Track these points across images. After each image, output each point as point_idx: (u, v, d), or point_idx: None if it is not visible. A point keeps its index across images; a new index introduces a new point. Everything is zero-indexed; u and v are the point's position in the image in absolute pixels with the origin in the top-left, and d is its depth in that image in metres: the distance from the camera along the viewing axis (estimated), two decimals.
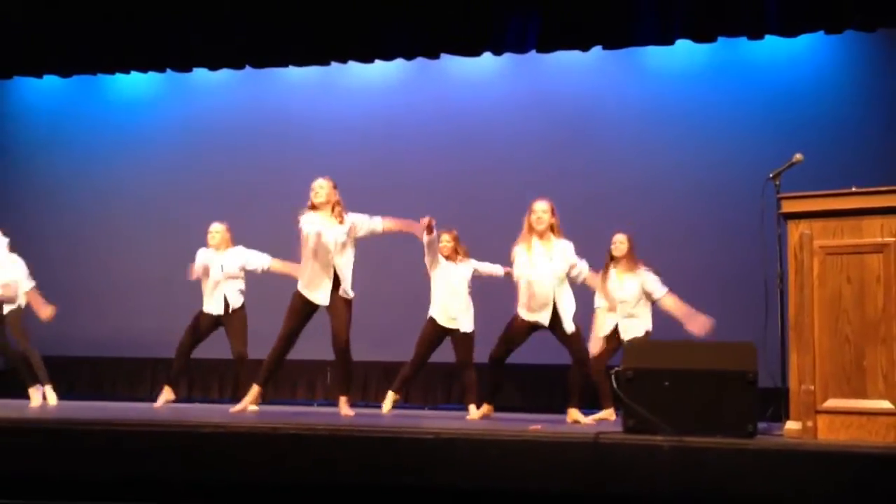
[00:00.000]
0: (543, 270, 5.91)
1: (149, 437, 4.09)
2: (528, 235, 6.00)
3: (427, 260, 6.77)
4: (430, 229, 6.30)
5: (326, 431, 4.06)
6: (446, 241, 6.89)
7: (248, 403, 6.21)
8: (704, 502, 3.70)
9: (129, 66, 9.25)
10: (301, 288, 6.12)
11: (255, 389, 6.20)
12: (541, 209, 6.02)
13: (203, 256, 7.05)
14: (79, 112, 9.63)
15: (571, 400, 6.01)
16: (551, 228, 6.03)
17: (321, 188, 6.13)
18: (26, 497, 3.98)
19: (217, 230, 7.11)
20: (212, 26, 8.77)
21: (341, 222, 6.12)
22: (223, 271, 6.97)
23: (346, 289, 6.07)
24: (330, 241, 6.02)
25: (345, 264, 6.09)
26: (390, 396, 6.86)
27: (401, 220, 6.33)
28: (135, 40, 8.94)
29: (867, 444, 3.86)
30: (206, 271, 6.99)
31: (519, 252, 5.99)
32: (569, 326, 5.92)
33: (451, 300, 6.84)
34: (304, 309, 6.11)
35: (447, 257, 6.91)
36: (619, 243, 6.71)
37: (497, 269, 7.04)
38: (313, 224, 6.04)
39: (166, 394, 6.99)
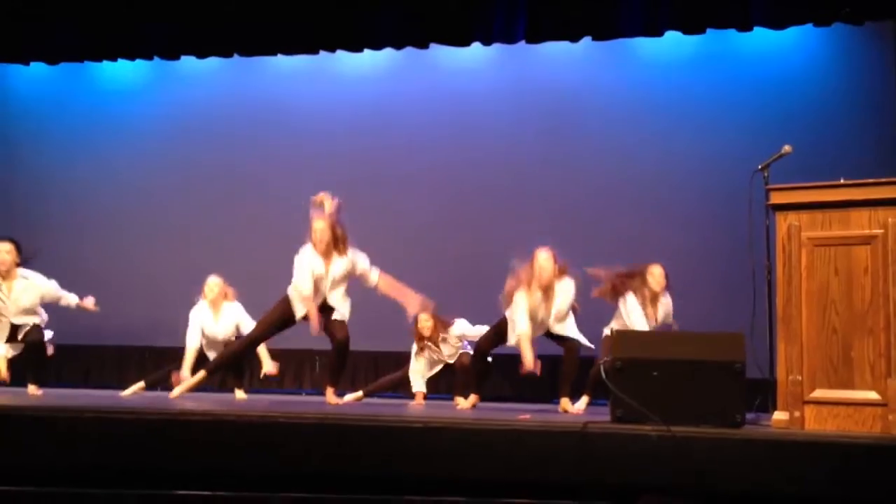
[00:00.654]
0: (544, 315, 5.93)
1: (136, 426, 4.09)
2: (530, 282, 5.91)
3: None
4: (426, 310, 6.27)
5: (315, 419, 4.06)
6: (424, 320, 6.72)
7: (187, 389, 6.17)
8: (692, 492, 3.72)
9: (117, 54, 9.18)
10: (291, 293, 6.01)
11: (200, 375, 6.15)
12: (542, 259, 5.93)
13: (197, 318, 6.82)
14: (66, 99, 9.56)
15: (563, 388, 6.03)
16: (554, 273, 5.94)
17: (322, 234, 5.95)
18: (17, 484, 3.97)
19: (215, 284, 6.87)
20: (199, 13, 8.70)
21: (343, 255, 5.99)
22: (219, 337, 6.80)
23: (342, 313, 6.00)
24: (323, 282, 5.95)
25: (338, 299, 5.99)
26: (355, 395, 6.87)
27: (398, 286, 6.10)
28: (122, 27, 8.88)
29: (854, 434, 3.90)
30: (201, 332, 6.82)
31: (519, 300, 5.89)
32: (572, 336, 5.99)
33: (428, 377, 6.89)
34: (287, 315, 6.00)
35: (428, 338, 6.79)
36: (660, 277, 6.29)
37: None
38: (306, 264, 5.94)
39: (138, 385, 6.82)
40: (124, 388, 6.82)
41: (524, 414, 4.75)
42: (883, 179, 4.17)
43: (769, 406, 4.50)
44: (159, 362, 8.01)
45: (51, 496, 3.93)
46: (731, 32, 7.92)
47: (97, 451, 4.02)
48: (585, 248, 8.00)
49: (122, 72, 9.46)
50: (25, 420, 4.15)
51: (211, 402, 5.60)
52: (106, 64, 9.40)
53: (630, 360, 4.18)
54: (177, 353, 6.93)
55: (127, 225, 9.14)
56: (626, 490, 3.73)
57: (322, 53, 8.80)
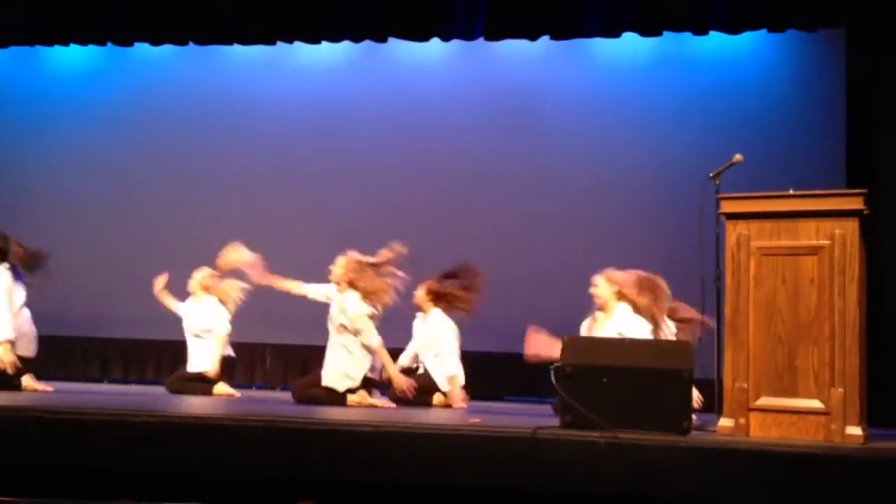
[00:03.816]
0: None
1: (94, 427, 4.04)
2: None
3: None
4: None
5: (262, 423, 4.03)
6: None
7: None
8: (639, 497, 3.76)
9: (69, 39, 9.02)
10: None
11: None
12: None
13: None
14: (16, 84, 9.39)
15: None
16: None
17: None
18: None
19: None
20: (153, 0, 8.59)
21: None
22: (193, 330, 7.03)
23: None
24: None
25: None
26: None
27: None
28: (74, 11, 8.73)
29: (797, 442, 3.96)
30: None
31: None
32: None
33: None
34: None
35: None
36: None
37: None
38: None
39: None
40: (69, 379, 6.73)
41: (475, 417, 4.76)
42: (830, 191, 4.27)
43: (715, 410, 4.54)
44: (121, 352, 8.08)
45: None
46: (688, 36, 7.98)
47: (69, 455, 3.96)
48: (541, 245, 8.07)
49: (75, 57, 9.30)
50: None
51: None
52: (57, 48, 9.23)
53: (580, 366, 4.22)
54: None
55: (80, 211, 8.98)
56: (574, 496, 3.76)
57: (279, 44, 8.72)
